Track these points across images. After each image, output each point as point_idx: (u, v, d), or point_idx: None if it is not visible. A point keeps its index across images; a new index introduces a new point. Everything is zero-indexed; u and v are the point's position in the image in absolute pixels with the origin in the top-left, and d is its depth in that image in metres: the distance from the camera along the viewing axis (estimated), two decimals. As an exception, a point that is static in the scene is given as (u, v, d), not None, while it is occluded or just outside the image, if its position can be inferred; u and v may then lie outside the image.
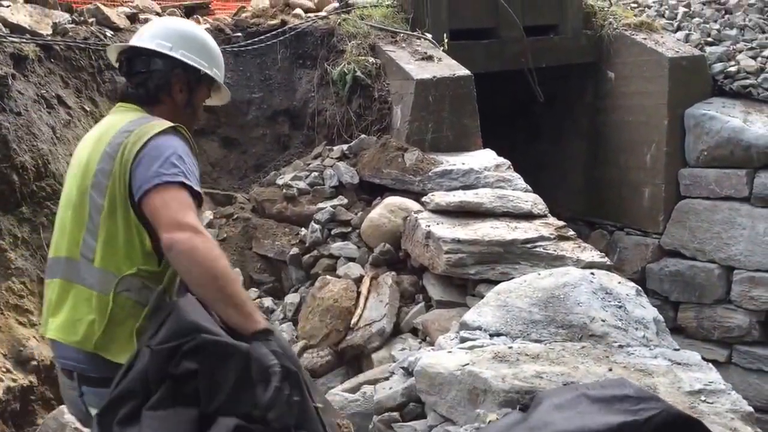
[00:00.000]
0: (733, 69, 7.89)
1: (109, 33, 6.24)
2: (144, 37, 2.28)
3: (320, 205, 5.55)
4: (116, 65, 2.40)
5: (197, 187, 2.05)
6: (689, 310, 7.56)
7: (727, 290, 7.35)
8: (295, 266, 5.37)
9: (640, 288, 3.92)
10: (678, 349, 3.34)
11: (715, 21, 8.74)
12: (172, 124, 2.15)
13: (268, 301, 5.25)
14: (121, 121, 2.16)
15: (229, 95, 2.55)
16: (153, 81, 2.22)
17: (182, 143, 2.12)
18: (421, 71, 6.09)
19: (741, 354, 7.25)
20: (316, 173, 5.85)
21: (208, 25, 6.81)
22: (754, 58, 8.00)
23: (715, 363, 4.30)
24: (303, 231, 5.48)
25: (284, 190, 5.75)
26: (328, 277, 5.01)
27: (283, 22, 6.83)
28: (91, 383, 2.09)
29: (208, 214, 5.82)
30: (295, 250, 5.38)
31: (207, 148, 6.55)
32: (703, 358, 3.34)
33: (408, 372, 3.58)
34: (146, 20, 6.56)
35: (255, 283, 5.47)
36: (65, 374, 2.20)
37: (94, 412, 2.05)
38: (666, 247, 7.78)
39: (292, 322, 5.03)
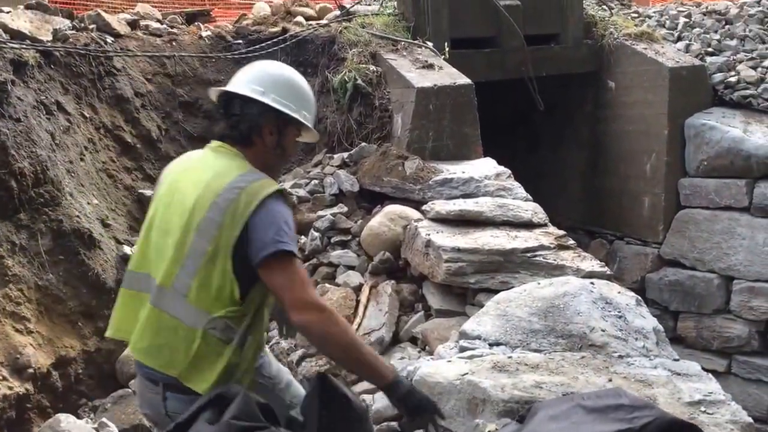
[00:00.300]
0: (733, 79, 7.90)
1: (109, 39, 6.25)
2: (240, 82, 2.43)
3: (320, 213, 5.54)
4: (216, 106, 2.55)
5: (295, 249, 2.25)
6: (689, 320, 7.54)
7: (726, 300, 7.33)
8: (294, 274, 5.35)
9: (639, 298, 3.90)
10: (678, 360, 3.33)
11: (716, 31, 8.75)
12: (279, 187, 2.33)
13: (266, 309, 5.24)
14: (228, 171, 2.30)
15: (317, 135, 2.69)
16: (245, 123, 2.36)
17: (288, 209, 2.32)
18: (421, 79, 6.09)
19: (740, 364, 7.23)
20: (316, 181, 5.84)
21: (209, 32, 6.83)
22: (754, 68, 8.00)
23: (715, 373, 4.28)
24: (302, 239, 5.46)
25: (284, 198, 5.74)
26: (327, 285, 4.99)
27: (284, 30, 6.84)
28: (177, 390, 2.27)
29: (207, 221, 5.81)
30: (294, 258, 5.36)
31: (206, 155, 6.53)
32: (703, 369, 3.33)
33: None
34: (147, 27, 6.58)
35: (254, 291, 5.45)
36: (149, 380, 2.36)
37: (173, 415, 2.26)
38: (666, 257, 7.77)
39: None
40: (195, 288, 2.22)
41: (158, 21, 6.90)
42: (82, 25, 6.24)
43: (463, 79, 6.25)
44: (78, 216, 5.25)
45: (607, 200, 8.40)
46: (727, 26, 8.81)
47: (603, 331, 3.49)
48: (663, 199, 7.78)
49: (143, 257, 2.43)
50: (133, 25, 6.62)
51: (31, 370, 4.61)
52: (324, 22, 7.10)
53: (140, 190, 6.02)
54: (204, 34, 6.77)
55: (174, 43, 6.54)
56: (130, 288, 2.44)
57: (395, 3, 7.44)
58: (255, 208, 2.19)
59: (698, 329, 7.46)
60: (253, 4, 8.45)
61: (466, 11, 7.41)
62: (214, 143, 2.42)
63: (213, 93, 2.55)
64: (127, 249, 5.49)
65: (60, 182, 5.23)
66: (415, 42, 6.74)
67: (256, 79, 2.42)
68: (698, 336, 7.45)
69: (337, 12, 7.32)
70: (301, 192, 5.76)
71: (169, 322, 2.26)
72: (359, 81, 6.30)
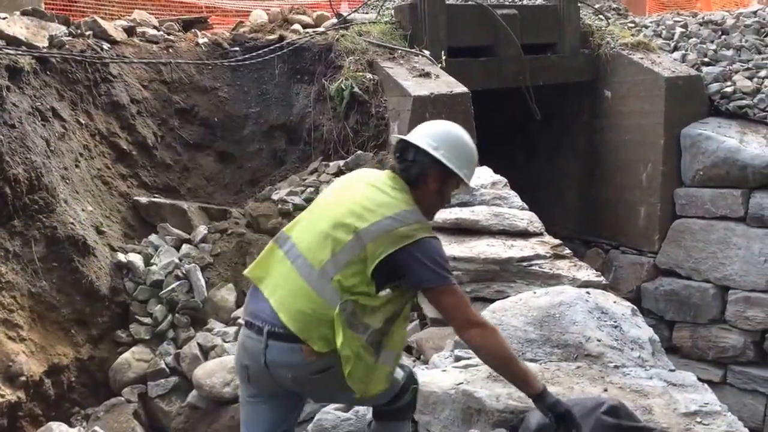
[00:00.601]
0: (729, 89, 7.92)
1: (105, 46, 6.24)
2: (418, 135, 2.78)
3: (315, 220, 5.52)
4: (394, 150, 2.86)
5: (452, 279, 2.66)
6: (684, 330, 7.54)
7: (722, 310, 7.33)
8: (288, 282, 5.33)
9: (635, 308, 3.88)
10: (674, 370, 3.30)
11: (712, 41, 8.78)
12: (432, 235, 2.69)
13: (261, 317, 5.21)
14: (397, 202, 2.68)
15: (471, 189, 3.07)
16: (415, 169, 2.73)
17: (438, 243, 2.71)
18: (418, 88, 6.09)
19: (736, 374, 7.22)
20: (312, 189, 5.83)
21: (205, 39, 6.82)
22: (750, 78, 8.03)
23: (710, 383, 4.28)
24: (297, 247, 5.44)
25: (279, 206, 5.73)
26: (322, 293, 4.96)
27: (281, 38, 6.84)
28: (280, 339, 2.57)
29: (202, 229, 5.79)
30: (289, 266, 5.34)
31: (202, 162, 6.53)
32: (699, 379, 3.31)
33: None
34: (143, 33, 6.58)
35: (248, 299, 5.42)
36: (253, 329, 2.65)
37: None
38: (661, 266, 7.77)
39: (285, 338, 4.99)
40: (340, 276, 2.57)
41: (155, 28, 6.89)
42: (79, 31, 6.23)
43: (460, 88, 6.25)
44: (72, 223, 5.23)
45: (604, 209, 8.40)
46: (723, 36, 8.84)
47: (599, 341, 3.47)
48: (659, 209, 7.79)
49: (298, 226, 2.79)
50: (129, 31, 6.61)
51: (23, 378, 4.58)
52: (321, 29, 7.10)
53: (135, 197, 6.00)
54: (201, 41, 6.77)
55: (170, 50, 6.53)
56: (275, 242, 2.79)
57: (392, 11, 7.45)
58: (411, 243, 2.59)
59: (694, 339, 7.46)
60: (251, 11, 8.46)
61: (463, 20, 7.43)
62: (393, 173, 2.78)
63: (394, 139, 2.98)
64: (121, 256, 5.47)
65: (54, 189, 5.21)
66: (412, 50, 6.74)
67: (432, 135, 2.77)
68: (694, 346, 7.44)
69: (335, 20, 7.33)
70: (297, 200, 5.74)
71: (305, 290, 2.59)
72: (356, 89, 6.30)
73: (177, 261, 5.49)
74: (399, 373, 2.84)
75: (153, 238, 5.76)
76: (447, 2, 7.47)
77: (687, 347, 7.46)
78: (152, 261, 5.53)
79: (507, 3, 8.93)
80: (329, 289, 2.57)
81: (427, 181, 2.74)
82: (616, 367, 3.28)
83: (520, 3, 9.21)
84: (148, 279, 5.39)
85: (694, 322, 7.46)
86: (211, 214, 6.10)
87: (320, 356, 2.55)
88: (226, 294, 5.41)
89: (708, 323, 7.38)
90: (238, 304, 5.38)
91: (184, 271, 5.42)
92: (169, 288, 5.31)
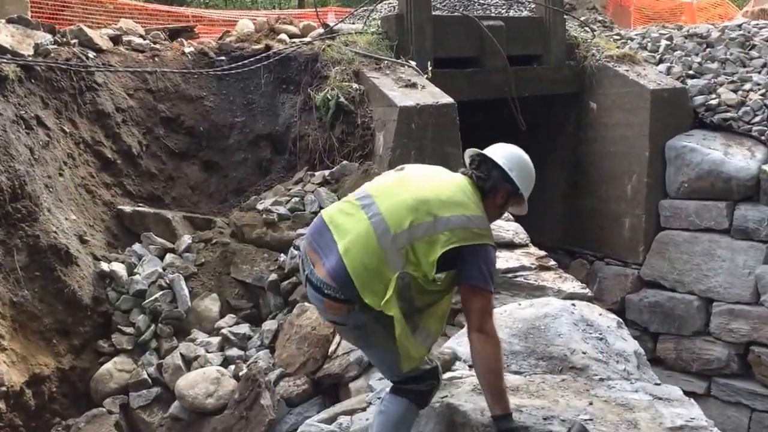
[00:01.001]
0: (714, 102, 7.97)
1: (91, 54, 6.21)
2: (497, 155, 3.10)
3: (300, 231, 5.50)
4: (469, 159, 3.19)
5: (492, 289, 2.90)
6: (668, 342, 7.55)
7: (706, 322, 7.35)
8: (273, 292, 5.30)
9: (620, 320, 3.89)
10: (659, 384, 3.30)
11: (697, 54, 8.84)
12: (492, 240, 2.94)
13: (245, 328, 5.18)
14: (474, 206, 2.97)
15: (526, 209, 3.24)
16: (489, 183, 3.06)
17: (495, 255, 2.96)
18: (404, 98, 6.09)
19: (720, 387, 7.23)
20: (297, 199, 5.81)
21: (192, 48, 6.80)
22: (735, 91, 8.08)
23: (694, 395, 4.27)
24: (282, 257, 5.42)
25: (264, 216, 5.70)
26: (306, 304, 4.94)
27: (268, 47, 6.83)
28: (311, 284, 2.87)
29: (186, 239, 5.75)
30: (273, 276, 5.32)
31: (187, 172, 6.50)
32: (684, 392, 3.31)
33: (386, 403, 3.51)
34: (129, 42, 6.55)
35: (232, 309, 5.39)
36: (307, 265, 2.92)
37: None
38: (646, 278, 7.79)
39: (269, 349, 4.96)
40: (408, 248, 2.79)
41: (141, 37, 6.86)
42: (64, 39, 6.20)
43: (446, 99, 6.26)
44: (55, 232, 5.18)
45: (588, 221, 8.42)
46: (708, 49, 8.90)
47: (584, 353, 3.47)
48: (643, 221, 7.81)
49: (377, 188, 3.00)
50: (115, 40, 6.58)
51: (3, 389, 4.52)
52: (307, 39, 7.10)
53: (119, 206, 5.96)
54: (187, 50, 6.75)
55: (156, 59, 6.51)
56: (354, 196, 3.00)
57: (379, 22, 7.47)
58: (477, 245, 2.86)
59: (678, 351, 7.47)
60: (237, 21, 8.45)
61: (449, 31, 7.45)
62: (471, 181, 3.08)
63: (469, 152, 3.21)
64: (104, 265, 5.42)
65: (38, 197, 5.16)
66: (399, 61, 6.75)
67: (507, 156, 3.12)
68: (678, 358, 7.45)
69: (321, 30, 7.33)
70: (282, 210, 5.72)
71: (381, 254, 2.78)
72: (342, 99, 6.29)
73: (160, 270, 5.45)
74: (426, 364, 2.98)
75: (137, 247, 5.71)
76: (433, 13, 7.50)
77: (671, 359, 7.47)
78: (135, 270, 5.48)
79: (493, 15, 9.00)
80: (397, 255, 2.79)
81: (496, 195, 3.08)
82: (602, 379, 3.27)
83: (506, 15, 9.28)
84: (131, 288, 5.34)
85: (678, 334, 7.47)
86: (195, 223, 6.06)
87: (338, 311, 2.83)
88: (210, 304, 5.37)
89: (692, 335, 7.39)
90: (222, 314, 5.35)
91: (168, 281, 5.38)
92: (153, 298, 5.27)
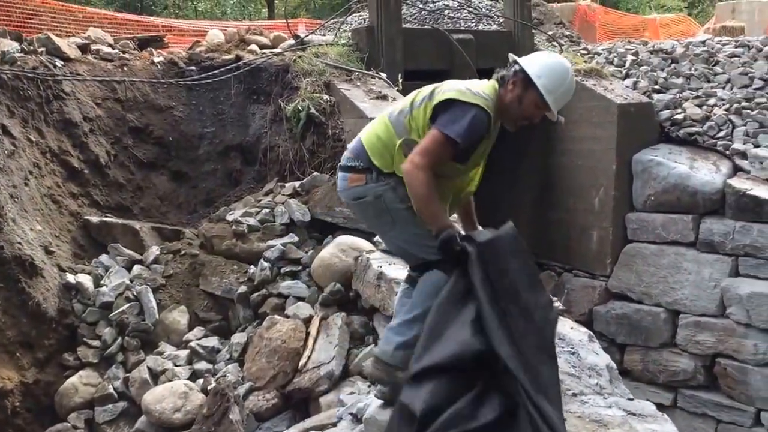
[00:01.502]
0: (679, 116, 8.10)
1: (59, 63, 6.13)
2: (525, 58, 3.20)
3: (270, 242, 5.47)
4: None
5: (460, 143, 3.04)
6: (635, 353, 7.62)
7: (672, 334, 7.43)
8: (242, 305, 5.26)
9: (592, 333, 3.92)
10: (632, 399, 3.32)
11: (662, 69, 8.99)
12: (482, 104, 3.06)
13: (213, 341, 5.12)
14: (480, 84, 3.19)
15: (555, 117, 3.22)
16: (505, 73, 3.18)
17: (483, 121, 3.08)
18: (375, 110, 6.10)
19: (686, 398, 7.31)
20: (267, 210, 5.77)
21: (161, 58, 6.74)
22: (699, 106, 8.23)
23: (661, 407, 4.30)
24: (252, 269, 5.38)
25: (234, 227, 5.65)
26: (276, 316, 4.91)
27: (238, 58, 6.80)
28: (342, 170, 3.30)
29: (154, 250, 5.68)
30: (243, 288, 5.28)
31: (156, 182, 6.43)
32: (649, 400, 3.33)
33: (357, 419, 3.49)
34: (98, 51, 6.48)
35: (201, 322, 5.33)
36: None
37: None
38: (613, 290, 7.86)
39: (238, 362, 4.91)
40: (410, 117, 3.15)
41: (110, 46, 6.79)
42: (31, 48, 6.10)
43: (417, 111, 6.27)
44: (20, 242, 5.08)
45: (556, 233, 8.49)
46: (673, 65, 9.06)
47: (555, 367, 3.48)
48: (611, 233, 7.89)
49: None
50: (83, 49, 6.50)
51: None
52: (278, 50, 7.08)
53: (86, 217, 5.86)
54: (156, 59, 6.69)
55: (125, 68, 6.44)
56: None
57: (350, 34, 7.48)
58: (462, 101, 3.05)
59: (645, 362, 7.54)
60: (208, 31, 8.41)
61: (420, 44, 7.49)
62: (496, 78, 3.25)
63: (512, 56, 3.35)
64: (70, 277, 5.33)
65: (2, 207, 5.06)
66: (369, 73, 6.77)
67: (534, 57, 3.21)
68: (644, 369, 7.52)
69: (292, 41, 7.32)
70: (251, 221, 5.67)
71: (388, 125, 3.19)
72: (312, 110, 6.29)
73: (128, 282, 5.37)
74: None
75: (103, 258, 5.63)
76: (404, 26, 7.54)
77: (638, 370, 7.54)
78: (102, 282, 5.40)
79: (463, 28, 9.07)
80: (401, 125, 3.16)
81: (509, 83, 3.13)
82: (574, 395, 3.28)
83: (475, 28, 9.35)
84: (98, 300, 5.26)
85: (645, 345, 7.54)
86: (164, 234, 5.99)
87: (359, 182, 3.18)
88: (178, 316, 5.30)
89: (659, 347, 7.47)
90: (190, 326, 5.28)
91: (135, 293, 5.31)
92: (119, 310, 5.19)
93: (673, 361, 7.38)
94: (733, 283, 7.06)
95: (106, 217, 5.96)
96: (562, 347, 3.72)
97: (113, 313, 5.19)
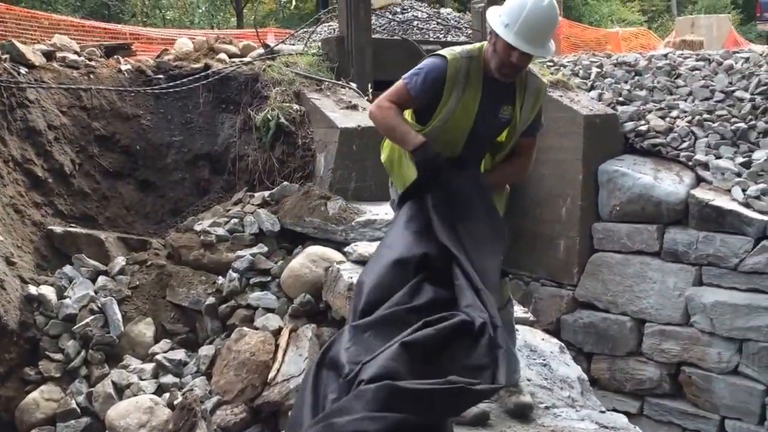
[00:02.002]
0: (643, 128, 8.23)
1: (23, 70, 6.01)
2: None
3: (239, 252, 5.41)
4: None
5: (413, 89, 3.13)
6: (602, 362, 7.69)
7: (638, 343, 7.52)
8: (210, 316, 5.19)
9: (563, 345, 3.96)
10: (604, 411, 3.34)
11: (626, 82, 9.14)
12: (446, 53, 3.12)
13: (180, 353, 5.04)
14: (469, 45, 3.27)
15: (528, 49, 2.97)
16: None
17: (436, 65, 3.11)
18: (345, 120, 6.09)
19: (652, 406, 7.39)
20: (236, 220, 5.71)
21: (128, 66, 6.65)
22: (663, 118, 8.37)
23: (627, 415, 4.33)
24: (220, 279, 5.31)
25: (202, 237, 5.58)
26: (245, 328, 4.85)
27: (207, 66, 6.74)
28: None
29: (120, 260, 5.58)
30: (211, 300, 5.21)
31: (122, 191, 6.33)
32: (614, 410, 3.36)
33: (328, 432, 3.45)
34: (63, 58, 6.37)
35: (167, 334, 5.24)
36: None
37: None
38: (580, 299, 7.93)
39: (205, 375, 4.84)
40: None
41: (76, 53, 6.67)
42: (-6, 54, 5.98)
43: (387, 121, 6.27)
44: (-21, 253, 4.95)
45: (524, 242, 8.54)
46: (636, 77, 9.21)
47: (528, 380, 3.49)
48: (578, 243, 7.97)
49: None
50: (49, 56, 6.38)
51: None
52: (248, 59, 7.03)
53: (50, 227, 5.74)
54: (124, 67, 6.59)
55: (92, 76, 6.34)
56: None
57: (320, 43, 7.47)
58: (429, 56, 3.22)
59: (611, 371, 7.61)
60: (176, 39, 8.32)
61: (389, 54, 7.51)
62: None
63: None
64: (32, 288, 5.20)
65: (-39, 218, 4.93)
66: (339, 82, 6.75)
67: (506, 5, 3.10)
68: (611, 378, 7.60)
69: (261, 50, 7.27)
70: (220, 231, 5.61)
71: None
72: (282, 120, 6.25)
73: (92, 294, 5.27)
74: None
75: (67, 269, 5.51)
76: (373, 36, 7.55)
77: (605, 379, 7.61)
78: (66, 294, 5.28)
79: (432, 39, 9.11)
80: None
81: (489, 35, 3.11)
82: (547, 408, 3.29)
83: (444, 39, 9.41)
84: (61, 313, 5.14)
85: (612, 354, 7.62)
86: (130, 244, 5.89)
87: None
88: (144, 328, 5.21)
89: (625, 355, 7.55)
90: (156, 339, 5.19)
91: (100, 305, 5.21)
92: (83, 322, 5.08)
93: (639, 369, 7.46)
94: (697, 292, 7.17)
95: (71, 227, 5.84)
96: (534, 359, 3.74)
97: (77, 326, 5.07)
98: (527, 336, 3.94)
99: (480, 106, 3.12)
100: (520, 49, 2.93)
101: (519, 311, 4.44)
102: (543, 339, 3.99)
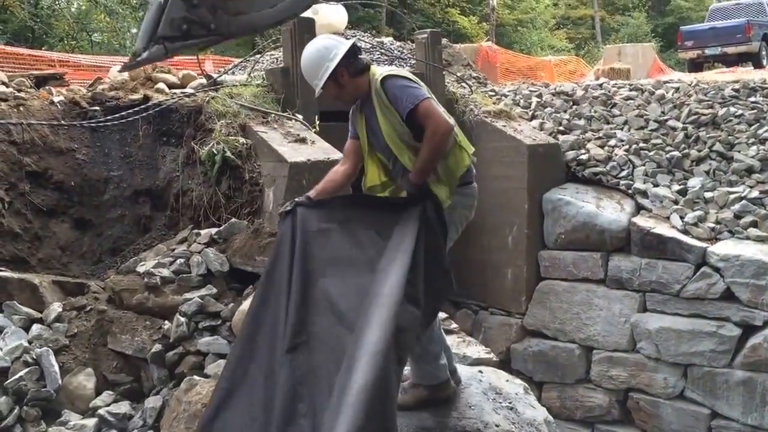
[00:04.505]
0: (584, 157, 8.37)
1: (-55, 102, 5.62)
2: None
3: (186, 295, 5.14)
4: None
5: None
6: (552, 390, 7.73)
7: (587, 370, 7.59)
8: (157, 365, 4.89)
9: (527, 386, 3.89)
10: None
11: (565, 111, 9.31)
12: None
13: (125, 406, 4.73)
14: None
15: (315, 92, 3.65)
16: None
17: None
18: (294, 154, 5.93)
19: (602, 433, 7.46)
20: (182, 260, 5.45)
21: (61, 98, 6.33)
22: (602, 146, 8.54)
23: (581, 444, 4.33)
24: (166, 324, 5.03)
25: (146, 279, 5.29)
26: (195, 377, 4.58)
27: (146, 98, 6.47)
28: None
29: (56, 307, 5.24)
30: (157, 347, 4.91)
31: (56, 230, 5.97)
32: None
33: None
34: (-10, 90, 6.02)
35: (110, 385, 4.92)
36: None
37: None
38: (529, 327, 7.97)
39: (153, 429, 4.55)
40: None
41: (3, 84, 6.31)
42: None
43: (338, 154, 6.13)
44: None
45: (472, 271, 8.54)
46: (574, 106, 9.40)
47: (497, 426, 3.41)
48: (525, 271, 8.02)
49: None
50: (-28, 86, 6.01)
51: None
52: (189, 91, 6.80)
53: (-22, 271, 5.36)
54: (56, 99, 6.26)
55: (21, 109, 5.99)
56: None
57: (263, 74, 7.30)
58: None
59: (562, 399, 7.65)
60: (105, 66, 8.01)
61: (335, 84, 7.39)
62: None
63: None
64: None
65: None
66: (285, 114, 6.59)
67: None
68: (562, 406, 7.63)
69: (203, 80, 7.05)
70: (165, 272, 5.33)
71: None
72: (228, 153, 6.03)
73: (26, 344, 4.89)
74: None
75: (-2, 317, 5.14)
76: (318, 66, 7.42)
77: (556, 407, 7.63)
78: (-3, 344, 4.91)
79: (375, 68, 9.04)
80: None
81: None
82: (517, 454, 3.21)
83: (388, 68, 9.36)
84: (-8, 366, 4.77)
85: (562, 382, 7.67)
86: (66, 288, 5.55)
87: None
88: (84, 380, 4.87)
89: (575, 383, 7.61)
90: (98, 391, 4.86)
91: (35, 356, 4.84)
92: (17, 376, 4.70)
93: (588, 396, 7.52)
94: (641, 318, 7.29)
95: (0, 270, 5.46)
96: (500, 402, 3.66)
97: (9, 381, 4.69)
98: (491, 378, 3.86)
99: (366, 127, 3.59)
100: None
101: (482, 351, 4.38)
102: (507, 380, 3.92)
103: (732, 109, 8.36)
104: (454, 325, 4.68)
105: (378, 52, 9.62)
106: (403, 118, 3.35)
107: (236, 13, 3.73)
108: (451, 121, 3.41)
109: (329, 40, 3.59)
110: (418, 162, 3.33)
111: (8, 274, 5.45)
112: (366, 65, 3.57)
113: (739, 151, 7.82)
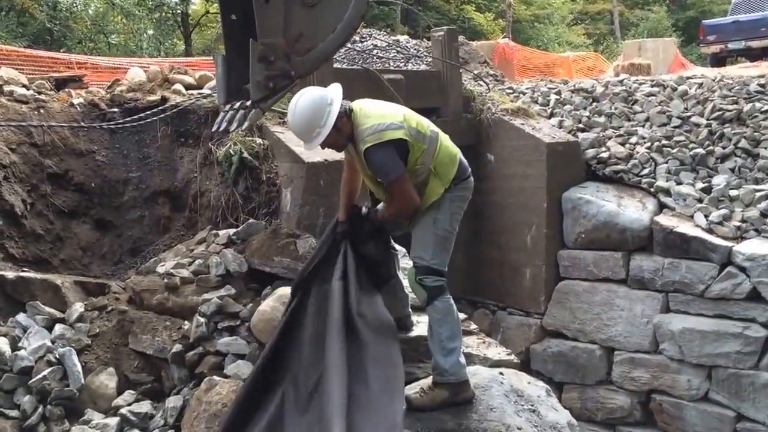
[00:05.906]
0: (604, 155, 8.29)
1: (-33, 105, 5.67)
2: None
3: (205, 295, 5.15)
4: None
5: None
6: (573, 391, 7.66)
7: (608, 371, 7.51)
8: (177, 365, 4.90)
9: (549, 388, 3.85)
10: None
11: (585, 108, 9.22)
12: None
13: (146, 406, 4.74)
14: None
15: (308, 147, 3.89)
16: None
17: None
18: (312, 154, 5.91)
19: (624, 435, 7.38)
20: (201, 260, 5.46)
21: (81, 99, 6.37)
22: (622, 144, 8.45)
23: (602, 446, 4.30)
24: (186, 325, 5.05)
25: (165, 279, 5.31)
26: (215, 377, 4.59)
27: (164, 99, 6.49)
28: None
29: (78, 307, 5.27)
30: (177, 347, 4.93)
31: (77, 231, 6.01)
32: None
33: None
34: (11, 92, 6.08)
35: (131, 384, 4.94)
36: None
37: None
38: (548, 328, 7.90)
39: (174, 429, 4.56)
40: None
41: (24, 86, 6.35)
42: (-65, 89, 5.64)
43: (355, 154, 6.14)
44: (-77, 304, 4.61)
45: (490, 271, 8.50)
46: (594, 103, 9.31)
47: (519, 429, 3.38)
48: (544, 271, 7.96)
49: (420, 124, 3.98)
50: (-6, 89, 6.06)
51: None
52: (206, 91, 6.81)
53: (1, 272, 5.39)
54: (75, 101, 6.30)
55: (42, 111, 6.03)
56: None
57: (281, 74, 7.28)
58: None
59: (582, 400, 7.58)
60: (123, 67, 8.05)
61: (350, 84, 7.33)
62: None
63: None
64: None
65: None
66: (303, 114, 6.57)
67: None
68: (583, 407, 7.56)
69: (220, 81, 7.05)
70: (184, 272, 5.34)
71: None
72: (245, 154, 6.04)
73: (49, 344, 4.93)
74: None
75: (21, 318, 5.16)
76: (335, 66, 7.42)
77: (576, 408, 7.57)
78: (20, 345, 4.93)
79: (392, 68, 9.04)
80: None
81: None
82: (542, 458, 3.18)
83: (404, 68, 9.35)
84: (16, 365, 4.79)
85: (582, 383, 7.60)
86: (88, 288, 5.58)
87: None
88: (106, 380, 4.90)
89: (595, 384, 7.54)
90: (120, 390, 4.89)
91: (58, 356, 4.87)
92: (40, 375, 4.74)
93: (609, 398, 7.45)
94: (664, 319, 7.20)
95: (23, 271, 5.50)
96: (522, 405, 3.63)
97: (33, 380, 4.74)
98: (513, 380, 3.82)
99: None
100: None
101: (503, 353, 4.34)
102: (529, 382, 3.89)
103: (758, 105, 8.24)
104: (473, 326, 4.64)
105: (394, 51, 9.59)
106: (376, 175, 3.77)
107: (307, 50, 3.82)
108: (417, 199, 3.80)
109: (318, 90, 3.79)
110: (384, 210, 3.95)
111: (31, 274, 5.49)
112: (351, 108, 3.85)
113: (765, 148, 7.71)
